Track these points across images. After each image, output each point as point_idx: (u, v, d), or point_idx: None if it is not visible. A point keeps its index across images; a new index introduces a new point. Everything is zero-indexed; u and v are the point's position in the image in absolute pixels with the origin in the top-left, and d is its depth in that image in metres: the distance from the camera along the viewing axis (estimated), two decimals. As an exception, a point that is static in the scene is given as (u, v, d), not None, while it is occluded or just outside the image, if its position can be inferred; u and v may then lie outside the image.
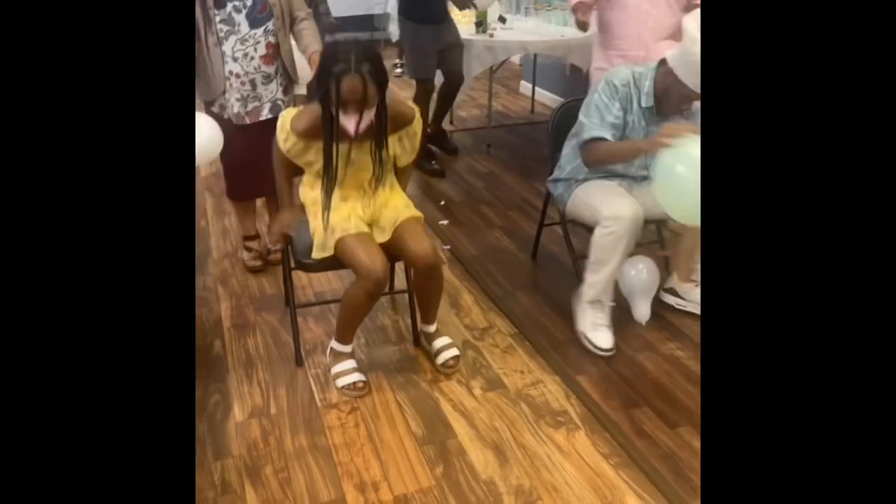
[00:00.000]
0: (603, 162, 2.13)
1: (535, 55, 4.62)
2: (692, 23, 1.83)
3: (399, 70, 5.78)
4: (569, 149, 2.27)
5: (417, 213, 2.01)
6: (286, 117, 1.89)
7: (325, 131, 1.82)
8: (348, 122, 1.77)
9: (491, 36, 3.73)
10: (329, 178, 1.89)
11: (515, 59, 5.53)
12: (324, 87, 1.76)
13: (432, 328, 2.14)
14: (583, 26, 2.65)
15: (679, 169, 1.72)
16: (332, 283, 2.55)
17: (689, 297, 2.36)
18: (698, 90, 1.87)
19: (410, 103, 2.04)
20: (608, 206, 2.04)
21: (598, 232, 2.06)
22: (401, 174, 2.12)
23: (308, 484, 1.67)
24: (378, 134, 1.86)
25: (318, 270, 2.15)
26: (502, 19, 3.96)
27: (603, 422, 1.88)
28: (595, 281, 2.14)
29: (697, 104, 2.03)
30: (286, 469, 1.72)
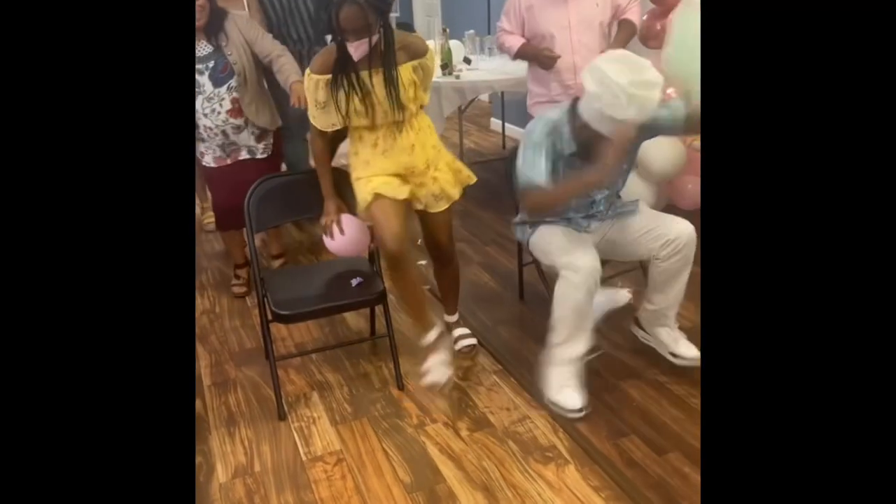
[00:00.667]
0: (543, 209, 2.04)
1: (503, 92, 4.72)
2: (588, 78, 1.79)
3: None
4: None
5: (456, 197, 2.17)
6: (307, 75, 1.98)
7: (339, 55, 1.90)
8: (352, 48, 1.86)
9: (457, 77, 3.81)
10: (352, 102, 1.92)
11: (484, 97, 5.65)
12: (326, 19, 1.90)
13: (453, 318, 2.38)
14: (546, 61, 2.68)
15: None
16: (312, 332, 2.54)
17: (650, 330, 2.25)
18: (614, 136, 1.80)
19: (422, 38, 2.05)
20: (562, 256, 1.97)
21: (557, 285, 1.97)
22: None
23: (296, 542, 1.63)
24: (387, 55, 1.91)
25: (296, 321, 2.14)
26: (467, 60, 4.04)
27: (592, 454, 1.86)
28: (560, 342, 2.02)
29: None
30: (273, 528, 1.68)
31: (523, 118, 4.85)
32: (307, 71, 1.98)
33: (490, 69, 4.06)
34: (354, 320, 2.62)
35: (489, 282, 2.90)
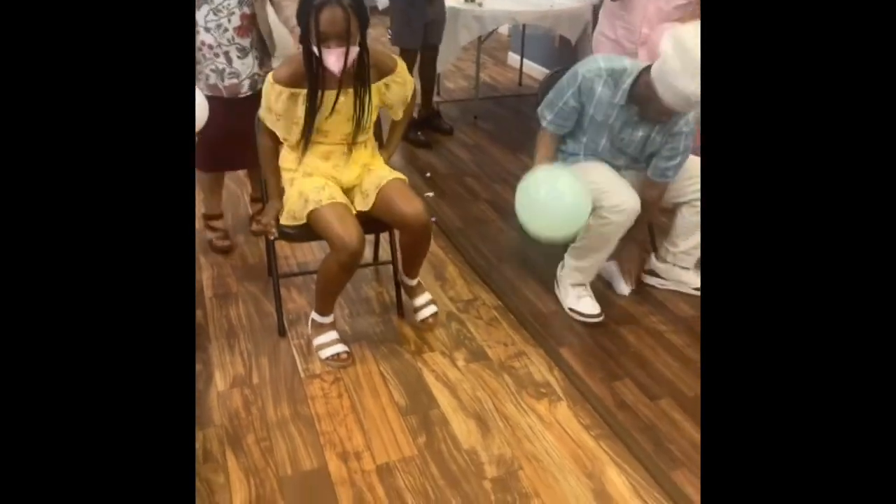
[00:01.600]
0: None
1: (524, 26, 4.56)
2: (669, 42, 1.77)
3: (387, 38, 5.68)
4: None
5: (402, 176, 1.97)
6: (266, 83, 1.84)
7: (308, 71, 1.76)
8: (330, 57, 1.71)
9: (480, 5, 3.67)
10: (312, 122, 1.83)
11: (503, 29, 5.46)
12: (304, 23, 1.71)
13: (414, 282, 2.12)
14: None
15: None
16: (315, 252, 2.53)
17: (669, 275, 2.37)
18: (675, 108, 1.84)
19: (393, 55, 1.98)
20: (610, 197, 1.99)
21: (594, 221, 2.01)
22: (393, 130, 2.08)
23: (290, 452, 1.67)
24: (360, 76, 1.81)
25: (301, 240, 2.12)
26: (491, -12, 3.88)
27: (585, 394, 1.89)
28: (581, 266, 2.18)
29: (690, 115, 2.01)
30: (268, 438, 1.72)
31: (543, 54, 4.74)
32: (269, 76, 1.82)
33: (514, -1, 3.91)
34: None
35: (495, 219, 2.88)
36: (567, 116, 2.06)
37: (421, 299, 2.11)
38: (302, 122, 1.84)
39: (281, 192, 1.97)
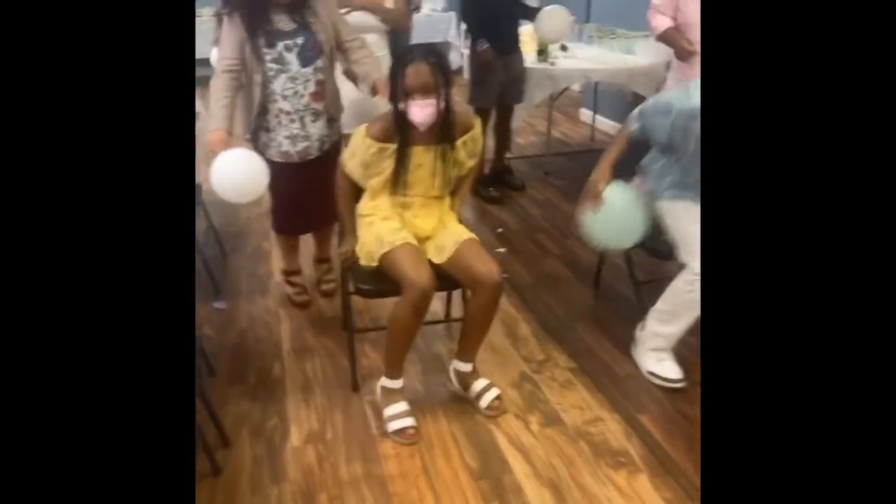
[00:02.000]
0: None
1: (597, 83, 4.59)
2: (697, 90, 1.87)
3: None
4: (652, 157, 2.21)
5: (475, 237, 1.99)
6: (357, 134, 1.94)
7: (397, 127, 1.86)
8: (414, 109, 1.80)
9: (552, 64, 3.73)
10: (399, 176, 1.91)
11: (575, 86, 5.52)
12: (393, 81, 1.83)
13: (469, 367, 2.03)
14: (682, 53, 2.67)
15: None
16: (388, 308, 2.55)
17: None
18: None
19: (472, 113, 2.05)
20: (698, 251, 1.85)
21: (681, 285, 1.96)
22: (462, 182, 2.11)
23: (362, 513, 1.66)
24: (444, 133, 1.89)
25: (377, 297, 2.15)
26: (564, 48, 3.95)
27: (666, 464, 1.80)
28: (664, 332, 2.09)
29: None
30: (341, 497, 1.71)
31: (615, 110, 4.74)
32: (362, 128, 1.92)
33: (587, 57, 3.96)
34: (433, 300, 2.62)
35: (567, 275, 2.84)
36: (650, 126, 2.03)
37: (479, 384, 2.02)
38: (386, 173, 1.92)
39: (355, 231, 2.05)
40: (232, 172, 2.06)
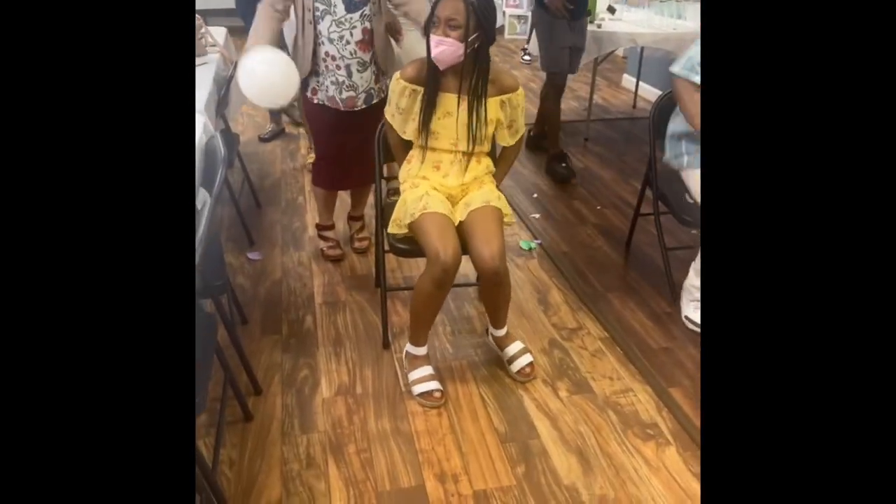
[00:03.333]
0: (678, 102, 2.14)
1: (642, 48, 4.45)
2: None
3: (527, 57, 5.69)
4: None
5: (504, 207, 1.93)
6: (393, 79, 1.92)
7: (428, 67, 1.83)
8: (432, 42, 1.76)
9: (599, 26, 3.61)
10: (426, 119, 1.87)
11: (619, 51, 5.35)
12: (430, 15, 1.78)
13: (502, 332, 2.03)
14: None
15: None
16: (421, 268, 2.55)
17: None
18: None
19: (514, 76, 1.98)
20: None
21: None
22: (503, 158, 2.07)
23: (389, 467, 1.68)
24: (477, 85, 1.84)
25: (410, 256, 2.14)
26: (611, 9, 3.82)
27: (696, 439, 1.78)
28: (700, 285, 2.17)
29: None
30: (368, 450, 1.74)
31: (660, 77, 4.59)
32: (396, 74, 1.91)
33: (635, 21, 3.82)
34: (463, 264, 2.60)
35: (602, 245, 2.80)
36: None
37: (512, 348, 2.02)
38: (418, 119, 1.90)
39: None
40: (261, 72, 2.05)
